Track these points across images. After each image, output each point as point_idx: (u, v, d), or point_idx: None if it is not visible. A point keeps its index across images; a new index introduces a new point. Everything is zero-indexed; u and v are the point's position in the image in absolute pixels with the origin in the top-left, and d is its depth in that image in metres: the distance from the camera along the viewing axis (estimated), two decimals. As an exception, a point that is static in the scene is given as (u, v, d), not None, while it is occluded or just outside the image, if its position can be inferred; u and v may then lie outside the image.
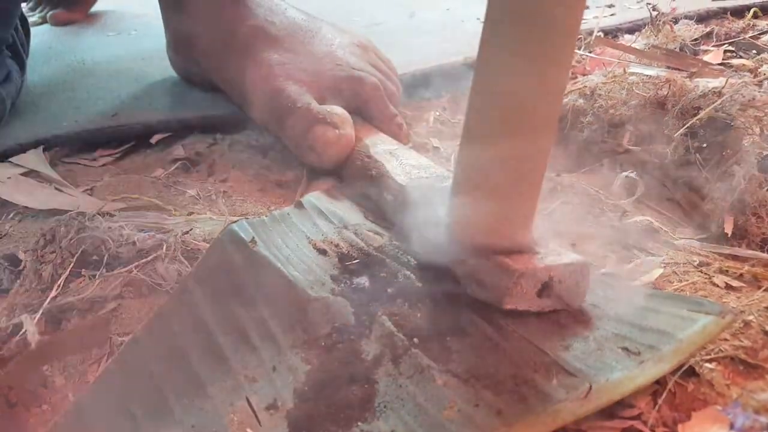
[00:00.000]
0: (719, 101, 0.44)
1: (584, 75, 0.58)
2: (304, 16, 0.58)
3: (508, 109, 0.29)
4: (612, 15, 0.81)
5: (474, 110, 0.31)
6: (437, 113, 0.60)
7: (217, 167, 0.53)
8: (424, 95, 0.65)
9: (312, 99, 0.50)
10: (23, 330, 0.33)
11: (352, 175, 0.46)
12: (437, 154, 0.54)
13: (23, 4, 0.79)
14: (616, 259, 0.39)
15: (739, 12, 0.77)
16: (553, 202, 0.45)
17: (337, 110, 0.49)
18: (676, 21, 0.69)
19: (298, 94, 0.50)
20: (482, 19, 0.29)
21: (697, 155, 0.45)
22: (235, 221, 0.37)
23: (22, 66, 0.65)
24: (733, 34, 0.70)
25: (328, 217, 0.40)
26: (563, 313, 0.31)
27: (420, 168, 0.43)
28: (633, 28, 0.73)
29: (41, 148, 0.54)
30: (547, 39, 0.28)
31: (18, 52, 0.64)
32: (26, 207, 0.46)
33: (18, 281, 0.37)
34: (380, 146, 0.47)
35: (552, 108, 0.30)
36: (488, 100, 0.30)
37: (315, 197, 0.43)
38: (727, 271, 0.38)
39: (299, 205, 0.41)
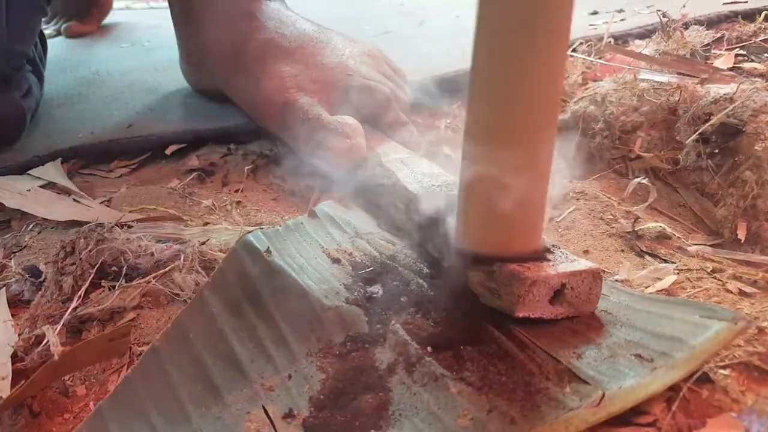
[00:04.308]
0: (731, 107, 0.44)
1: (595, 81, 0.58)
2: (315, 27, 0.58)
3: (503, 108, 0.29)
4: (622, 20, 0.81)
5: (472, 113, 0.31)
6: (448, 120, 0.61)
7: (231, 177, 0.53)
8: (434, 103, 0.65)
9: (323, 110, 0.50)
10: (45, 341, 0.34)
11: (364, 183, 0.47)
12: (449, 161, 0.54)
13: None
14: (629, 266, 0.39)
15: (750, 15, 0.77)
16: (566, 209, 0.45)
17: (349, 120, 0.49)
18: (686, 26, 0.68)
19: (310, 105, 0.51)
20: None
21: (709, 161, 0.45)
22: (251, 231, 0.38)
23: (40, 79, 0.66)
24: (745, 38, 0.69)
25: (341, 226, 0.41)
26: (576, 320, 0.32)
27: (432, 176, 0.43)
28: (643, 34, 0.73)
29: (59, 160, 0.55)
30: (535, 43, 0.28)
31: (36, 65, 0.65)
32: (46, 219, 0.47)
33: (39, 293, 0.38)
34: (392, 155, 0.48)
35: (550, 109, 0.30)
36: (485, 103, 0.30)
37: (328, 206, 0.43)
38: (740, 277, 0.38)
39: (312, 215, 0.42)
